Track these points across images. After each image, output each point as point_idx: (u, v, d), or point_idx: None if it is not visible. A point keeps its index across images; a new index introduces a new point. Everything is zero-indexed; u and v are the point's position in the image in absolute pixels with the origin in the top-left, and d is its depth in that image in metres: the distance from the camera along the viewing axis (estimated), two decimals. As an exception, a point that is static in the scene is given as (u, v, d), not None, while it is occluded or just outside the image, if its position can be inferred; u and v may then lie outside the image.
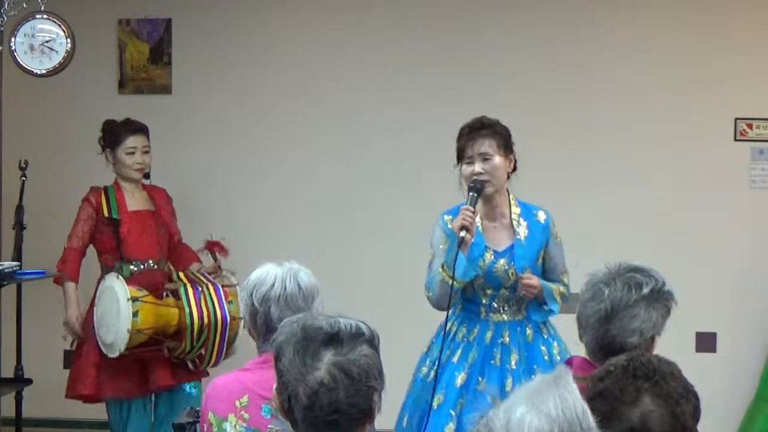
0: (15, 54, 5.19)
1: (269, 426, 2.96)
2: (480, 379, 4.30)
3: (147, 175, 5.61)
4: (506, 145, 4.40)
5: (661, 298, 2.86)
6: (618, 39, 6.50)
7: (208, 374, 5.49)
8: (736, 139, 6.48)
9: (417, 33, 6.57)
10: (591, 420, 1.76)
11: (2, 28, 5.04)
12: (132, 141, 5.54)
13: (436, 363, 4.32)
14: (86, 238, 5.53)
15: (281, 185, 6.65)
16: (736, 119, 6.46)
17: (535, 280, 4.32)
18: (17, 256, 5.61)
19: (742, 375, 6.40)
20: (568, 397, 1.75)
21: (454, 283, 4.20)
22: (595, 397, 2.23)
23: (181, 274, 5.39)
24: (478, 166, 4.34)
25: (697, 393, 2.25)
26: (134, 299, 5.15)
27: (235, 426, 3.05)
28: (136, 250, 5.48)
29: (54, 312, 6.12)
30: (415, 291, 6.52)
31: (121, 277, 5.28)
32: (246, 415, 3.06)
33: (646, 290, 2.83)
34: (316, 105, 6.63)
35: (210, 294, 5.28)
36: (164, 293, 5.33)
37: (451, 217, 4.41)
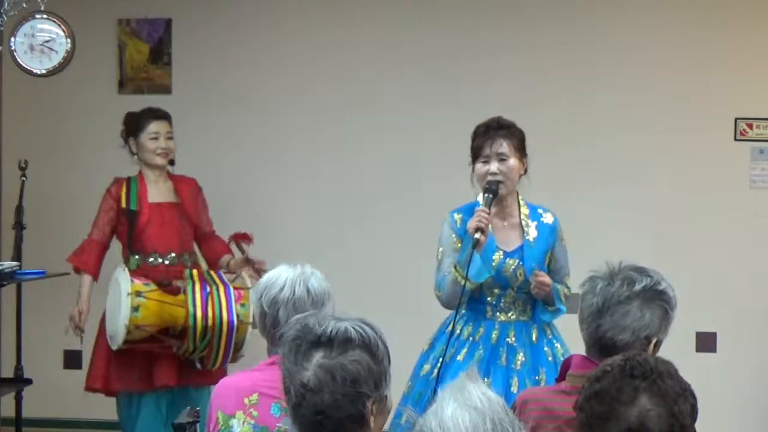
0: (15, 54, 5.19)
1: (278, 425, 2.97)
2: (485, 379, 4.27)
3: (172, 162, 5.54)
4: (521, 147, 4.41)
5: (655, 298, 2.83)
6: (618, 39, 6.50)
7: (214, 383, 5.43)
8: (736, 139, 6.48)
9: (417, 34, 6.57)
10: (510, 411, 1.79)
11: (2, 28, 5.04)
12: (155, 126, 5.46)
13: (439, 360, 4.30)
14: (107, 230, 5.44)
15: (281, 185, 6.65)
16: (736, 119, 6.46)
17: (548, 278, 4.33)
18: (17, 256, 5.60)
19: (742, 375, 6.40)
20: (487, 390, 1.79)
21: (467, 283, 4.20)
22: (592, 397, 2.23)
23: (194, 272, 5.27)
24: (494, 166, 4.33)
25: (694, 392, 2.24)
26: (137, 293, 5.08)
27: (242, 423, 3.05)
28: (155, 242, 5.39)
29: (54, 312, 6.12)
30: (414, 291, 6.54)
31: (126, 269, 5.21)
32: (255, 413, 3.06)
33: (638, 287, 2.82)
34: (316, 105, 6.63)
35: (219, 295, 5.14)
36: (180, 290, 5.23)
37: (461, 215, 4.40)
